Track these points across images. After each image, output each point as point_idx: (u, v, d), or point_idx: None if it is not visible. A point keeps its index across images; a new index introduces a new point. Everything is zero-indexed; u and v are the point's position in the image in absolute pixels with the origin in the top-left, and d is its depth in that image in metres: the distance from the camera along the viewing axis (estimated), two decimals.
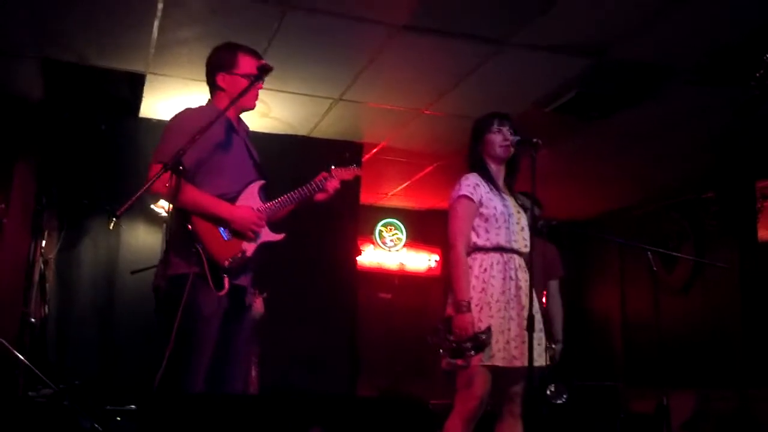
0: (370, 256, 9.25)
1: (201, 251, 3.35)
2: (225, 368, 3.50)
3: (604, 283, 9.12)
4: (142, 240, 6.37)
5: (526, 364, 3.51)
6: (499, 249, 3.68)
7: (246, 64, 3.61)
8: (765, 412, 6.51)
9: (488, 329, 3.50)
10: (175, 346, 3.02)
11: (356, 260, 7.29)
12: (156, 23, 4.87)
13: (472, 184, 3.72)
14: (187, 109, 3.67)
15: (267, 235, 3.58)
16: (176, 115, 3.67)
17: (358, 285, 7.31)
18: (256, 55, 3.68)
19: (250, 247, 3.51)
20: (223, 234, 3.45)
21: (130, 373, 5.51)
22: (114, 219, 3.09)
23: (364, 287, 8.08)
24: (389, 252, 9.39)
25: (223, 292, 3.35)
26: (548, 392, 5.75)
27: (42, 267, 6.02)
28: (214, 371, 3.44)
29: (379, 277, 9.26)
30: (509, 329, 3.58)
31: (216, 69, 3.65)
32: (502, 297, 3.61)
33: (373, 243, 9.31)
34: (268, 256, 3.68)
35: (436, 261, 9.50)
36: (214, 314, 3.39)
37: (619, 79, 5.41)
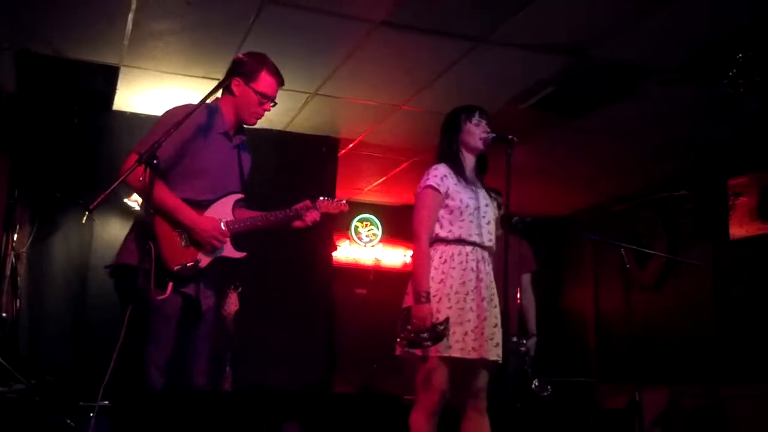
0: (345, 252, 9.24)
1: (153, 250, 3.26)
2: (187, 365, 3.45)
3: (577, 279, 9.17)
4: (115, 234, 6.29)
5: (485, 356, 3.57)
6: (460, 241, 3.67)
7: (266, 83, 3.58)
8: (737, 409, 6.58)
9: (446, 321, 3.51)
10: (132, 340, 2.98)
11: (332, 256, 7.27)
12: (131, 15, 4.82)
13: (439, 175, 3.72)
14: (185, 105, 3.57)
15: (227, 251, 3.50)
16: (170, 110, 3.59)
17: (334, 281, 7.30)
18: (279, 79, 3.64)
19: (205, 259, 3.44)
20: (182, 239, 3.40)
21: (103, 368, 5.47)
22: (87, 213, 3.06)
23: (340, 283, 8.07)
24: (365, 248, 9.38)
25: (161, 297, 3.27)
26: (533, 386, 5.79)
27: (14, 261, 5.95)
28: (172, 368, 3.39)
29: (355, 272, 9.25)
30: (468, 321, 3.57)
31: (236, 73, 3.55)
32: (461, 288, 3.61)
33: (349, 238, 9.30)
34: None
35: (411, 256, 9.50)
36: (167, 312, 3.34)
37: (596, 77, 5.44)
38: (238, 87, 3.56)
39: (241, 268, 3.75)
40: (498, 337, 3.64)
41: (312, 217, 3.67)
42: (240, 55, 3.56)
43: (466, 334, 3.56)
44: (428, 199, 3.70)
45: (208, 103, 3.57)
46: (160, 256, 3.30)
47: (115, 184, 2.99)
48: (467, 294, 3.62)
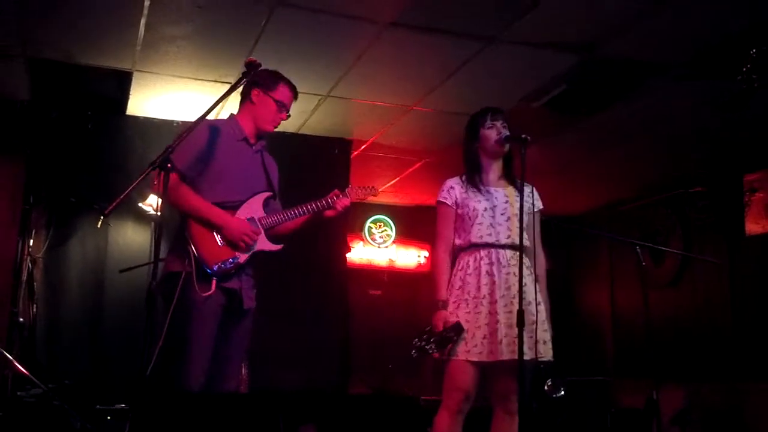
0: (359, 253, 9.25)
1: (192, 252, 3.48)
2: (220, 368, 3.58)
3: (593, 278, 9.14)
4: (131, 238, 6.34)
5: (499, 358, 3.60)
6: (473, 246, 3.78)
7: (283, 93, 3.84)
8: (755, 406, 6.55)
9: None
10: (171, 343, 3.07)
11: (346, 257, 7.28)
12: (143, 21, 4.84)
13: (446, 189, 3.92)
14: (206, 120, 3.71)
15: (263, 245, 3.69)
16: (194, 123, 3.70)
17: (348, 282, 7.30)
18: (295, 91, 3.92)
19: (243, 255, 3.62)
20: (218, 239, 3.58)
21: (120, 372, 5.50)
22: (102, 217, 3.13)
23: (354, 284, 8.08)
24: (379, 248, 9.38)
25: (207, 294, 3.45)
26: (546, 387, 5.77)
27: (30, 266, 5.99)
28: (211, 371, 3.52)
29: (369, 273, 9.25)
30: (486, 324, 3.65)
31: (255, 84, 3.81)
32: (478, 293, 3.70)
33: (363, 240, 9.30)
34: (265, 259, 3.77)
35: (425, 257, 9.50)
36: (209, 312, 3.46)
37: (608, 75, 5.42)
38: (258, 96, 3.81)
39: (256, 270, 3.80)
40: (535, 335, 3.62)
41: (343, 203, 3.83)
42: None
43: (484, 337, 3.64)
44: (439, 213, 3.94)
45: (224, 118, 3.86)
46: (198, 258, 3.48)
47: (129, 189, 3.02)
48: (483, 298, 3.69)
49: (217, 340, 3.55)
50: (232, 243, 3.58)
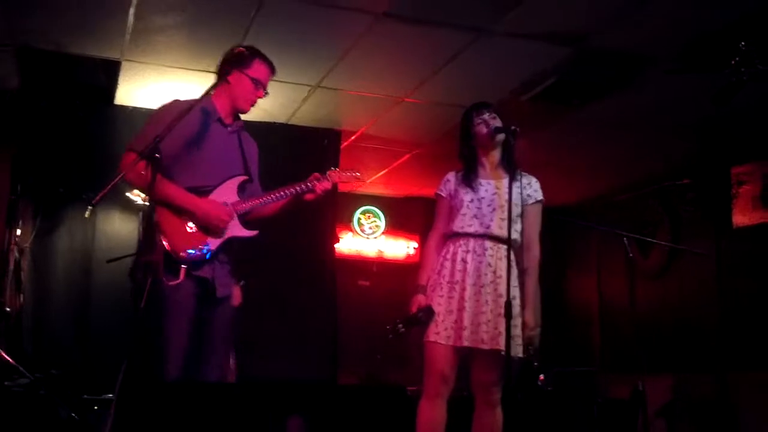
0: (348, 244, 9.24)
1: (159, 240, 3.38)
2: (204, 358, 3.53)
3: (581, 269, 9.17)
4: (118, 228, 6.32)
5: (459, 344, 3.65)
6: (454, 235, 3.84)
7: (259, 70, 3.70)
8: (741, 397, 6.59)
9: (426, 308, 3.73)
10: (147, 333, 3.04)
11: (335, 248, 7.27)
12: (132, 10, 4.82)
13: (443, 182, 3.99)
14: (175, 101, 3.68)
15: (236, 231, 3.59)
16: (162, 106, 3.69)
17: (337, 273, 7.30)
18: (272, 67, 3.76)
19: (215, 242, 3.52)
20: (189, 226, 3.48)
21: (108, 362, 5.48)
22: (90, 207, 3.09)
23: (343, 275, 8.07)
24: (368, 239, 9.38)
25: (174, 282, 3.37)
26: (539, 382, 5.81)
27: (17, 256, 5.96)
28: (190, 360, 3.47)
29: (358, 264, 9.25)
30: (457, 310, 3.70)
31: (230, 63, 3.69)
32: (452, 279, 3.76)
33: (352, 230, 9.30)
34: (245, 246, 3.70)
35: (414, 248, 9.51)
36: (180, 302, 3.41)
37: (599, 67, 5.43)
38: (233, 75, 3.67)
39: (244, 261, 3.79)
40: (488, 326, 3.63)
41: (323, 186, 3.75)
42: (228, 49, 3.68)
43: (455, 322, 3.70)
44: (436, 205, 4.01)
45: (195, 99, 3.64)
46: (167, 245, 3.39)
47: (116, 179, 3.02)
48: (456, 283, 3.75)
49: (193, 329, 3.48)
50: (204, 228, 3.49)
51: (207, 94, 3.51)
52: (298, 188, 3.72)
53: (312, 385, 5.98)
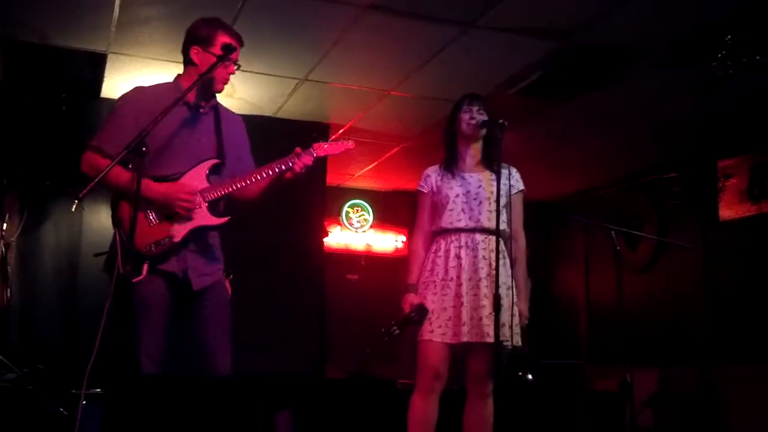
0: (336, 238, 9.24)
1: (119, 235, 3.21)
2: (201, 357, 3.39)
3: (568, 263, 9.21)
4: (105, 222, 6.23)
5: (462, 341, 3.66)
6: (444, 231, 3.86)
7: (224, 45, 3.40)
8: (726, 390, 6.63)
9: (419, 307, 3.73)
10: (122, 328, 2.96)
11: (323, 241, 7.27)
12: (117, 2, 4.79)
13: (423, 177, 4.00)
14: (138, 89, 3.50)
15: (204, 219, 3.35)
16: (124, 96, 3.49)
17: (325, 266, 7.30)
18: (236, 37, 3.48)
19: (179, 232, 3.31)
20: (149, 218, 3.29)
21: (95, 356, 5.46)
22: (77, 201, 3.03)
23: (331, 268, 8.07)
24: (356, 233, 9.38)
25: (137, 279, 3.16)
26: (520, 373, 5.82)
27: (3, 250, 5.92)
28: (173, 357, 3.34)
29: (346, 258, 9.26)
30: (453, 306, 3.72)
31: (191, 41, 3.47)
32: (446, 276, 3.77)
33: (340, 224, 9.30)
34: (232, 238, 3.63)
35: (402, 242, 9.52)
36: (149, 298, 3.27)
37: (584, 62, 5.44)
38: (197, 55, 3.45)
39: (232, 255, 3.75)
40: (490, 319, 3.63)
41: (303, 162, 3.45)
42: (189, 26, 3.47)
43: (449, 319, 3.71)
44: (418, 201, 4.02)
45: (166, 82, 3.54)
46: (127, 240, 3.09)
47: (103, 173, 2.96)
48: (450, 280, 3.76)
49: (171, 325, 3.32)
50: (167, 217, 3.28)
51: (191, 87, 3.33)
52: (277, 168, 3.45)
53: (300, 379, 5.98)
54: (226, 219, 3.42)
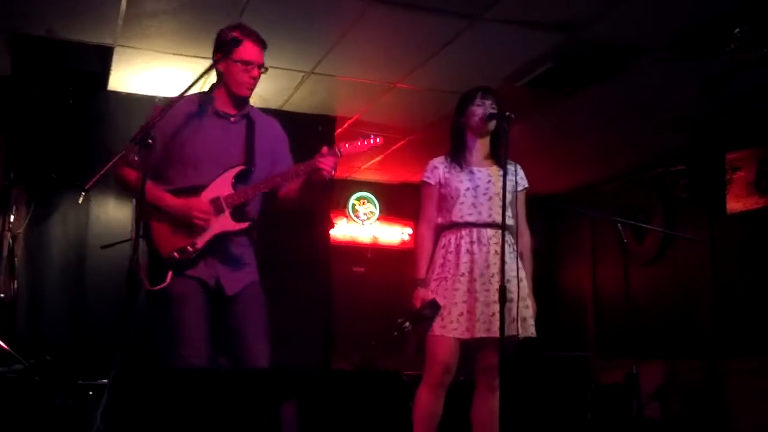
0: (343, 230, 9.24)
1: (146, 244, 3.34)
2: (243, 358, 3.47)
3: (575, 256, 9.19)
4: (112, 214, 6.31)
5: (479, 335, 3.66)
6: (454, 225, 3.82)
7: (244, 49, 3.46)
8: (732, 383, 6.63)
9: (431, 303, 3.70)
10: (130, 319, 3.00)
11: (329, 234, 7.27)
12: None
13: (430, 168, 3.95)
14: (174, 98, 3.55)
15: (225, 225, 3.43)
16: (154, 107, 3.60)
17: (331, 259, 7.31)
18: (258, 40, 3.52)
19: (201, 240, 3.40)
20: (171, 226, 3.39)
21: (102, 347, 5.49)
22: (83, 193, 3.07)
23: (337, 261, 8.08)
24: (362, 225, 9.39)
25: (159, 286, 3.29)
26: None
27: (11, 242, 5.95)
28: (227, 360, 3.48)
29: (352, 250, 9.26)
30: (464, 302, 3.71)
31: (215, 49, 3.52)
32: (456, 271, 3.75)
33: (346, 217, 9.30)
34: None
35: (409, 234, 9.52)
36: (186, 295, 3.36)
37: (592, 54, 5.42)
38: (221, 63, 3.49)
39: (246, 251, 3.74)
40: (515, 312, 3.65)
41: (328, 162, 3.43)
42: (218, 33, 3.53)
43: (461, 314, 3.70)
44: (423, 193, 3.97)
45: (202, 92, 3.59)
46: (153, 248, 3.35)
47: (109, 164, 3.00)
48: (462, 275, 3.75)
49: (210, 322, 3.42)
50: (187, 227, 3.37)
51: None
52: (300, 169, 3.47)
53: (306, 371, 6.00)
54: (247, 224, 3.49)
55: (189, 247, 3.38)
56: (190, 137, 3.43)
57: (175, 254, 3.36)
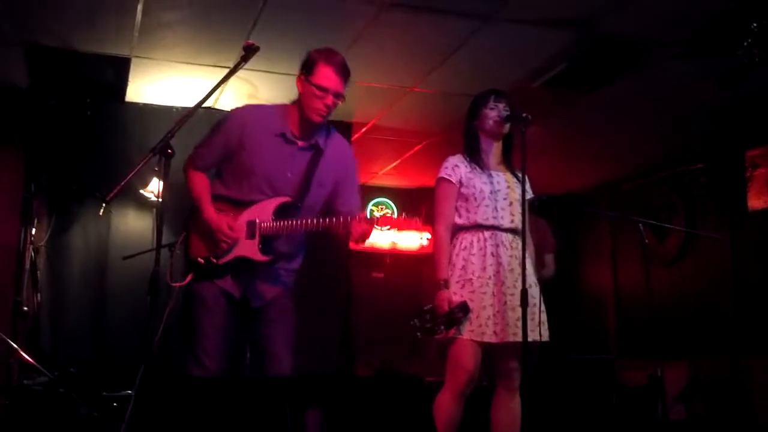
0: None
1: (184, 240, 3.47)
2: (268, 366, 3.55)
3: (596, 256, 9.14)
4: (133, 225, 6.34)
5: (506, 340, 3.64)
6: (477, 227, 3.78)
7: (322, 75, 3.45)
8: (757, 380, 6.57)
9: (463, 305, 3.62)
10: (177, 329, 3.08)
11: (348, 240, 7.26)
12: (139, 6, 4.81)
13: (450, 166, 3.86)
14: (245, 109, 3.69)
15: (250, 252, 3.45)
16: (231, 112, 3.67)
17: (351, 265, 7.30)
18: (339, 69, 3.50)
19: (224, 258, 3.46)
20: (203, 233, 3.48)
21: (125, 358, 5.51)
22: (104, 204, 3.10)
23: (356, 267, 8.08)
24: (381, 231, 9.36)
25: (176, 284, 3.39)
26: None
27: (33, 255, 5.99)
28: (251, 366, 3.58)
29: (371, 256, 9.26)
30: (491, 305, 3.67)
31: (300, 69, 3.55)
32: (483, 273, 3.70)
33: None
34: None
35: (427, 239, 9.50)
36: (210, 298, 3.43)
37: (608, 52, 5.39)
38: (301, 83, 3.51)
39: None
40: (538, 316, 3.66)
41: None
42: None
43: (489, 318, 3.67)
44: (441, 191, 3.86)
45: (283, 105, 3.61)
46: (187, 247, 3.46)
47: (129, 176, 3.00)
48: (489, 278, 3.71)
49: (233, 328, 3.48)
50: (214, 240, 3.43)
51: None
52: (332, 225, 3.46)
53: (328, 377, 5.99)
54: (269, 258, 3.48)
55: (213, 258, 3.44)
56: (254, 149, 3.45)
57: (200, 260, 3.44)
